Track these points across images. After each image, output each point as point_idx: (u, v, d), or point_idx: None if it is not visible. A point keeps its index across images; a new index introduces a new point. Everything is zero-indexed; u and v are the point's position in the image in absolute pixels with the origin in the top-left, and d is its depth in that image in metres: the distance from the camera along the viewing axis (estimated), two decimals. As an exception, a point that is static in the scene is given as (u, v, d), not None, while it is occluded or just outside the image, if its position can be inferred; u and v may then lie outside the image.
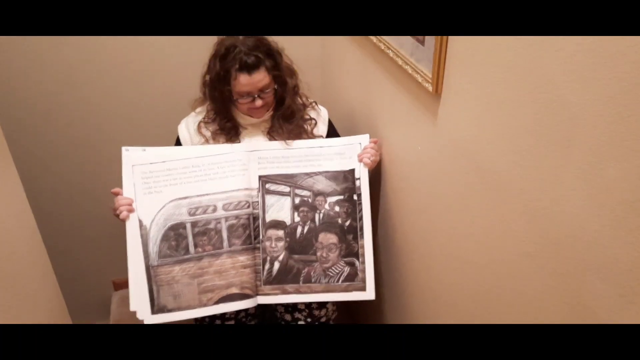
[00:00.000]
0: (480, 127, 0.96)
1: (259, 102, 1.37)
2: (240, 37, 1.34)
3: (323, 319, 1.63)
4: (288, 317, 1.62)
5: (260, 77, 1.34)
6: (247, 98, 1.37)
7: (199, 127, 1.46)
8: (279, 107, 1.45)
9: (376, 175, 1.54)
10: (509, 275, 0.96)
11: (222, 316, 1.52)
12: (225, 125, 1.43)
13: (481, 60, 0.92)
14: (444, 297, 1.26)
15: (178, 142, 1.49)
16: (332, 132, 1.55)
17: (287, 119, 1.45)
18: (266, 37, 1.37)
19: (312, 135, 1.49)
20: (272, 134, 1.47)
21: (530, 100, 0.81)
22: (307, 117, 1.50)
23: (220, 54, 1.34)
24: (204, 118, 1.46)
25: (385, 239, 1.58)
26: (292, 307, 1.58)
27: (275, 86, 1.39)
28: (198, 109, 1.49)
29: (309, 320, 1.61)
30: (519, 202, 0.89)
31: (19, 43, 1.64)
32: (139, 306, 1.34)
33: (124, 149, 1.36)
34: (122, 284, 2.09)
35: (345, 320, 2.07)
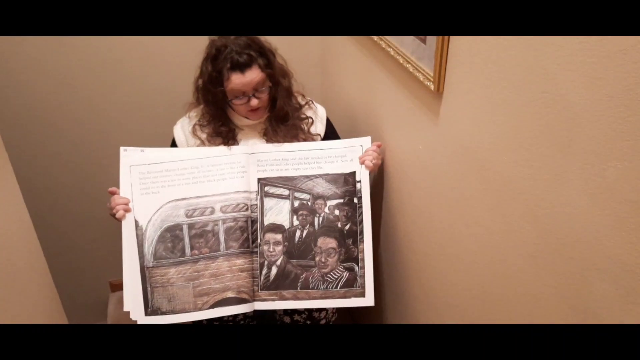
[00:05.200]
0: (481, 126, 0.96)
1: (254, 102, 1.34)
2: (232, 37, 1.32)
3: (322, 322, 1.62)
4: (287, 319, 1.61)
5: (254, 76, 1.31)
6: (242, 98, 1.34)
7: (193, 129, 1.43)
8: (272, 109, 1.42)
9: (377, 175, 1.53)
10: (510, 275, 0.96)
11: (220, 318, 1.51)
12: (221, 130, 1.41)
13: (483, 59, 0.92)
14: (445, 298, 1.26)
15: (174, 144, 1.47)
16: (330, 131, 1.53)
17: (282, 120, 1.43)
18: (259, 36, 1.35)
19: (309, 134, 1.47)
20: (268, 135, 1.45)
21: (532, 99, 0.81)
22: (304, 116, 1.47)
23: (212, 55, 1.32)
24: (198, 120, 1.44)
25: (386, 239, 1.57)
26: (291, 310, 1.57)
27: (270, 85, 1.37)
28: (193, 112, 1.46)
29: (308, 322, 1.60)
30: (520, 201, 0.89)
31: (15, 44, 1.63)
32: (133, 307, 1.33)
33: (122, 149, 1.35)
34: (120, 286, 2.07)
35: (346, 322, 2.06)
